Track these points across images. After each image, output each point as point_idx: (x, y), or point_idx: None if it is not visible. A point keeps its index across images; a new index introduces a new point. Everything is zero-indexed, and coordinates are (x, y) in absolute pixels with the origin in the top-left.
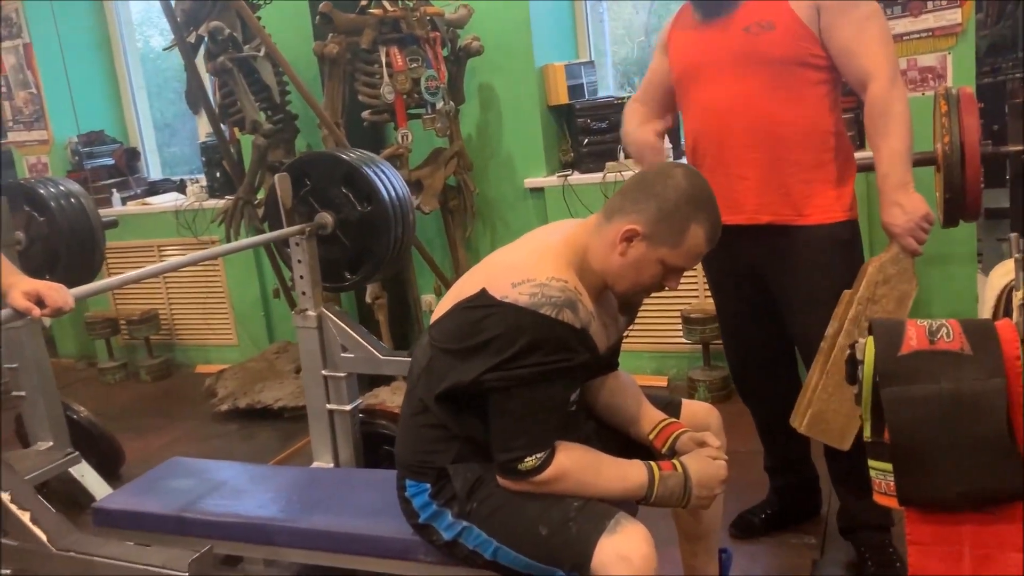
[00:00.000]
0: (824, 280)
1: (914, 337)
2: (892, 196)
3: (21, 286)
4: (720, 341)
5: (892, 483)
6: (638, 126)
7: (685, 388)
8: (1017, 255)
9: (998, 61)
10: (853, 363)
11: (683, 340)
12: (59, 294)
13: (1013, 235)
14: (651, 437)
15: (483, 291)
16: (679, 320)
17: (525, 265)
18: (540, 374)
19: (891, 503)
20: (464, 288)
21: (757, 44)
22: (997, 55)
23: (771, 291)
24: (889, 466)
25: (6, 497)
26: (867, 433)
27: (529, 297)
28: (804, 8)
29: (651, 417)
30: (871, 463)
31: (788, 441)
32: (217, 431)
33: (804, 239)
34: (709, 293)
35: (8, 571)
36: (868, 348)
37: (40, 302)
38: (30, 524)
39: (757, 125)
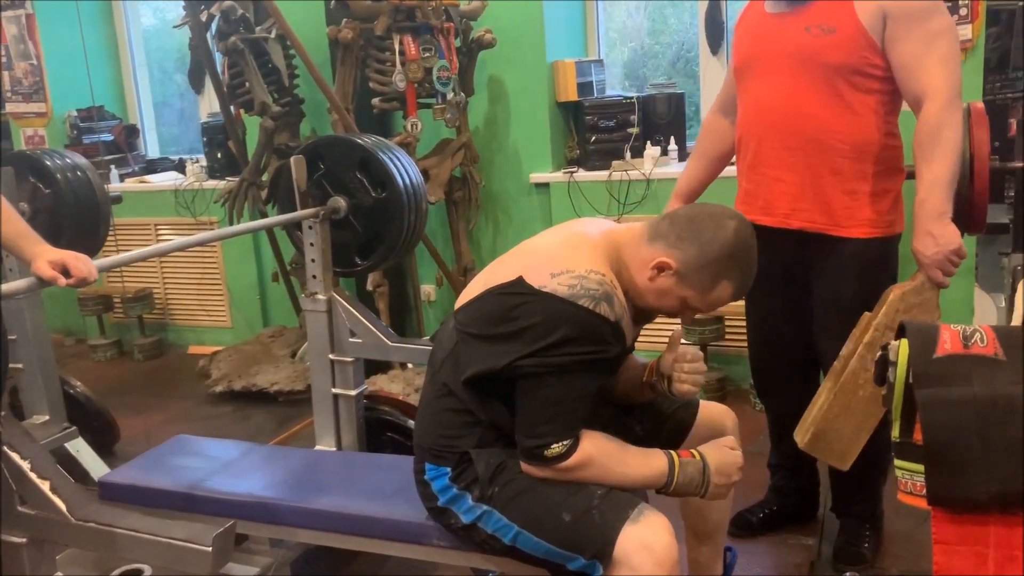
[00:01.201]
0: (848, 294)
1: (948, 341)
2: (926, 225)
3: (47, 255)
4: (718, 343)
5: (919, 483)
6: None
7: None
8: None
9: (999, 78)
10: (883, 364)
11: (683, 341)
12: (84, 264)
13: None
14: (643, 378)
15: (520, 279)
16: (677, 320)
17: (564, 256)
18: (574, 363)
19: (918, 503)
20: (496, 274)
21: (815, 47)
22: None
23: (800, 292)
24: (917, 466)
25: (26, 466)
26: (895, 434)
27: (568, 288)
28: (870, 14)
29: (637, 364)
30: (897, 463)
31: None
32: (212, 412)
33: (836, 250)
34: None
35: (25, 539)
36: (902, 350)
37: (65, 271)
38: (50, 493)
39: (801, 129)
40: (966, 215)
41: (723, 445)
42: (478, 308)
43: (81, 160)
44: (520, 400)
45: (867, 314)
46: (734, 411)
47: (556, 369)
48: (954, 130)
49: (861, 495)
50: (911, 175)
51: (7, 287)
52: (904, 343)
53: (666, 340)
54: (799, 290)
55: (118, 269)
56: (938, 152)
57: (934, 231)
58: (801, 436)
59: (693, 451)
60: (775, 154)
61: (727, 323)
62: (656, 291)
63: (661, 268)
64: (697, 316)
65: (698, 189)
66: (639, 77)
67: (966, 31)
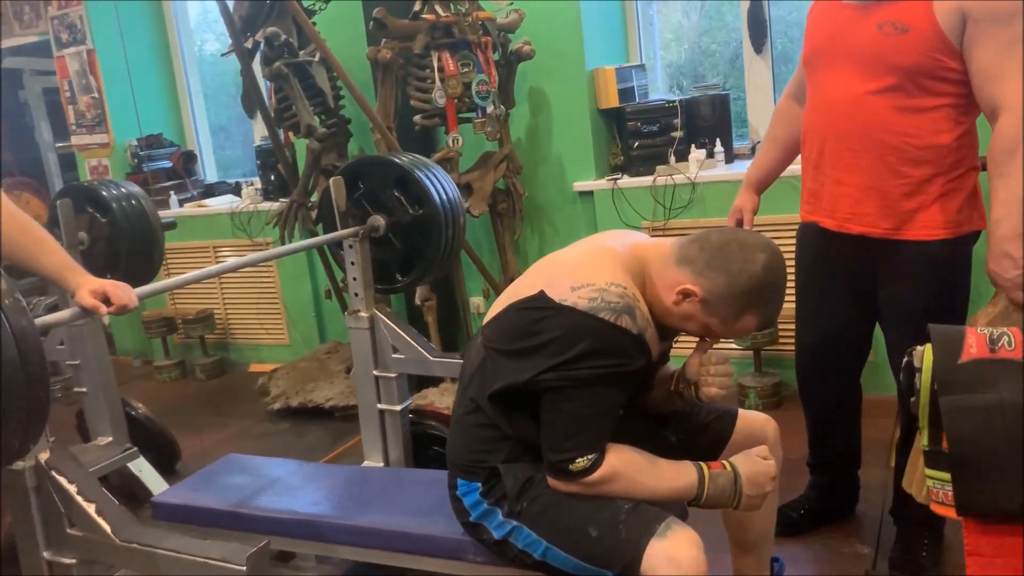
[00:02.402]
0: (918, 300)
1: (974, 345)
2: (1003, 246)
3: (89, 285)
4: (772, 348)
5: (949, 493)
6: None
7: (735, 394)
8: None
9: None
10: (910, 372)
11: (734, 346)
12: (124, 292)
13: None
14: (671, 388)
15: (541, 293)
16: None
17: (584, 269)
18: (596, 377)
19: (948, 513)
20: (520, 289)
21: (885, 46)
22: None
23: (866, 295)
24: (947, 475)
25: (73, 489)
26: (924, 442)
27: (588, 301)
28: (949, 14)
29: (667, 374)
30: (928, 472)
31: (840, 441)
32: (270, 429)
33: (902, 254)
34: None
35: (74, 560)
36: (926, 356)
37: (106, 300)
38: (95, 515)
39: (867, 131)
40: None
41: (755, 455)
42: (502, 323)
43: (135, 189)
44: (544, 415)
45: None
46: (789, 416)
47: (579, 383)
48: None
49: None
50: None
51: (50, 318)
52: (928, 348)
53: (717, 345)
54: (858, 295)
55: (178, 291)
56: (1015, 167)
57: (1012, 252)
58: (916, 489)
59: (724, 462)
60: (838, 156)
61: (780, 327)
62: (680, 315)
63: (687, 295)
64: None
65: (770, 178)
66: (697, 77)
67: None
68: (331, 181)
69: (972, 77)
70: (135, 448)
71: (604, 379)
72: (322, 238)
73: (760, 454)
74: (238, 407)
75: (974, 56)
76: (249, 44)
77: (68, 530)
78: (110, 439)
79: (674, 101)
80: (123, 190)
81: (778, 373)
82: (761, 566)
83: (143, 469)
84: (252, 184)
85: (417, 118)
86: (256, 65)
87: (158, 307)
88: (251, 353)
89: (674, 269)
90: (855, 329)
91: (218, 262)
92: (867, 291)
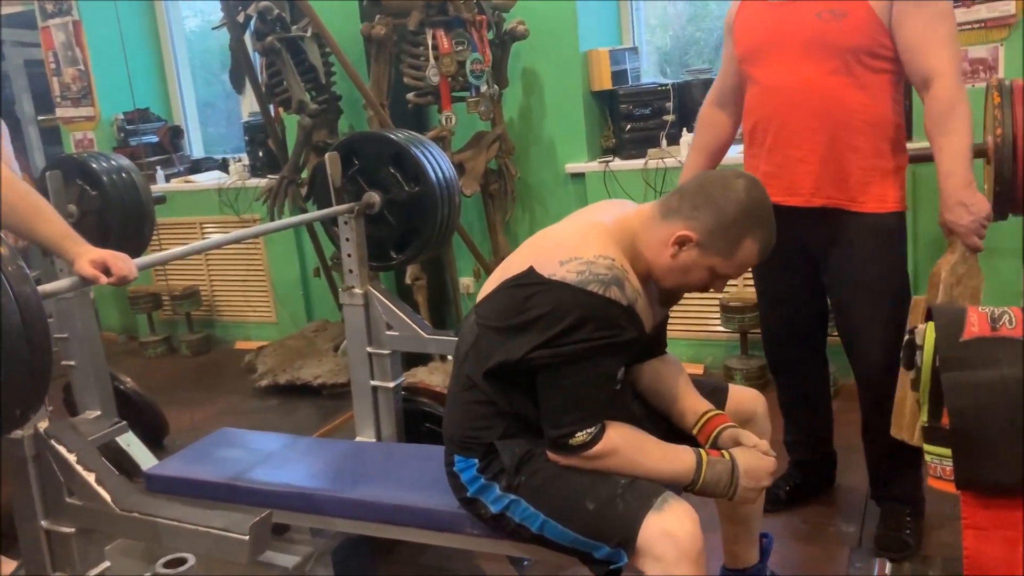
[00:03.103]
0: (872, 268)
1: (976, 323)
2: (957, 195)
3: (88, 254)
4: (758, 330)
5: (948, 468)
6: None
7: (722, 376)
8: None
9: None
10: (911, 348)
11: (721, 328)
12: (124, 263)
13: None
14: (695, 430)
15: (531, 269)
16: (717, 308)
17: (572, 243)
18: (588, 350)
19: (947, 487)
20: (511, 266)
21: (828, 31)
22: None
23: (819, 270)
24: (946, 451)
25: (72, 459)
26: (924, 418)
27: (576, 275)
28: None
29: (695, 408)
30: (927, 448)
31: (813, 418)
32: (258, 406)
33: (856, 226)
34: (749, 282)
35: (73, 529)
36: (928, 333)
37: (106, 270)
38: (95, 485)
39: (822, 109)
40: (1010, 196)
41: (756, 449)
42: (495, 301)
43: (126, 162)
44: (541, 391)
45: (917, 298)
46: (773, 399)
47: (572, 358)
48: (966, 104)
49: (900, 478)
50: (914, 158)
51: (50, 286)
52: (931, 326)
53: (704, 328)
54: (814, 269)
55: (163, 267)
56: (956, 125)
57: (966, 200)
58: (908, 434)
59: (724, 452)
60: (798, 135)
61: None
62: (681, 267)
63: (682, 242)
64: (735, 304)
65: None
66: (681, 64)
67: (1009, 7)
68: (327, 156)
69: (902, 52)
70: (124, 422)
71: (597, 351)
72: (317, 213)
73: (762, 448)
74: (225, 384)
75: (903, 32)
76: (241, 18)
77: (67, 499)
78: (98, 413)
79: (667, 84)
80: (114, 163)
81: (763, 356)
82: (751, 542)
83: (131, 443)
84: (240, 160)
85: (410, 96)
86: (248, 40)
87: (144, 283)
88: (237, 330)
89: (662, 225)
90: (814, 304)
91: (204, 238)
92: (820, 267)
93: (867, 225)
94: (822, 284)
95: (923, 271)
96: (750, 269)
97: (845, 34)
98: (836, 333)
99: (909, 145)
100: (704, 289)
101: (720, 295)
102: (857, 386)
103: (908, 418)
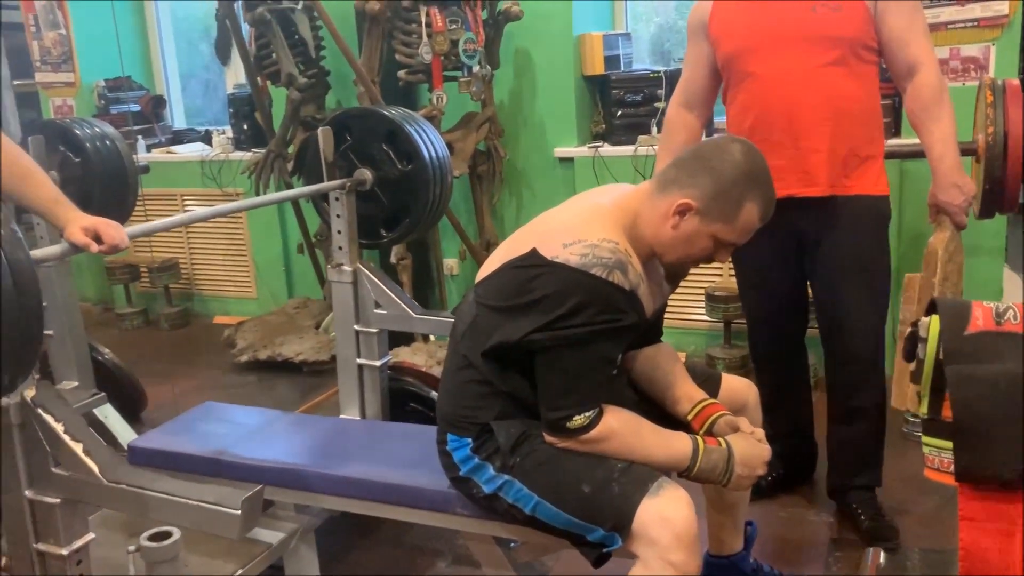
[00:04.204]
0: (859, 249)
1: (980, 317)
2: (950, 177)
3: (80, 221)
4: (743, 321)
5: (947, 460)
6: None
7: (704, 365)
8: None
9: None
10: (913, 341)
11: (704, 317)
12: (116, 231)
13: None
14: (689, 417)
15: (534, 251)
16: (701, 297)
17: (576, 226)
18: (589, 333)
19: (945, 479)
20: (513, 247)
21: (825, 22)
22: None
23: (806, 257)
24: (945, 443)
25: (59, 428)
26: (923, 410)
27: (580, 257)
28: None
29: (690, 396)
30: (925, 440)
31: (795, 410)
32: (237, 381)
33: (849, 209)
34: (733, 271)
35: (58, 499)
36: (932, 326)
37: (97, 238)
38: (82, 455)
39: (827, 99)
40: (998, 195)
41: (751, 437)
42: (496, 281)
43: (110, 129)
44: (539, 373)
45: (911, 275)
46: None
47: (571, 341)
48: (947, 92)
49: (866, 466)
50: (891, 155)
51: (40, 252)
52: (935, 319)
53: (687, 316)
54: (799, 256)
55: (145, 238)
56: (943, 111)
57: (958, 182)
58: (912, 404)
59: (720, 439)
60: (807, 127)
61: None
62: (684, 238)
63: (682, 211)
64: (720, 293)
65: None
66: (664, 53)
67: (1002, 7)
68: (319, 131)
69: (886, 44)
70: (102, 394)
71: (597, 335)
72: (308, 189)
73: (757, 436)
74: (203, 358)
75: (887, 27)
76: None
77: (53, 469)
78: (76, 384)
79: (659, 71)
80: (97, 130)
81: (746, 346)
82: (736, 529)
83: (109, 415)
84: (224, 133)
85: (401, 73)
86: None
87: (122, 254)
88: (216, 305)
89: (661, 198)
90: (797, 293)
91: (185, 211)
92: (803, 251)
93: (862, 208)
94: (803, 272)
95: (905, 259)
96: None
97: (841, 26)
98: (814, 324)
99: (896, 141)
100: (709, 260)
101: (706, 284)
102: (829, 373)
103: (912, 392)
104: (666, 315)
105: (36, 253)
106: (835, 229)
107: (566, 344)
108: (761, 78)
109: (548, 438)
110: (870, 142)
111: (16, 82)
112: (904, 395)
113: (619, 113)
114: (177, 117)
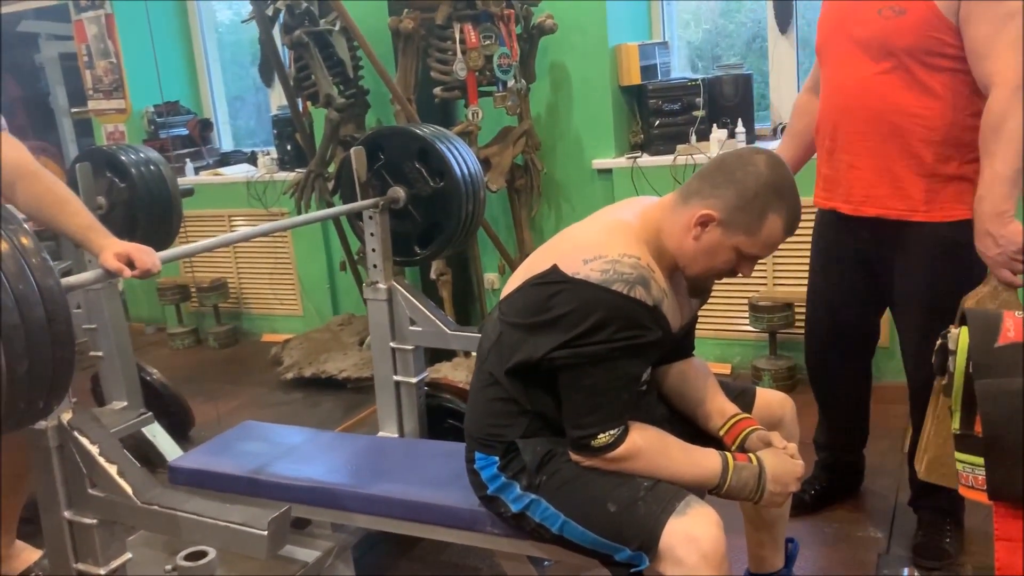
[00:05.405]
0: (930, 283)
1: (1012, 328)
2: (985, 224)
3: (113, 247)
4: (788, 331)
5: (980, 477)
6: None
7: (749, 377)
8: None
9: None
10: (943, 353)
11: (749, 328)
12: (148, 256)
13: None
14: (721, 432)
15: (554, 267)
16: (745, 307)
17: (597, 241)
18: (611, 351)
19: (979, 497)
20: (535, 264)
21: (885, 29)
22: None
23: (876, 279)
24: (978, 459)
25: (95, 450)
26: (955, 425)
27: (601, 274)
28: None
29: (722, 410)
30: (958, 456)
31: (850, 424)
32: (283, 398)
33: (916, 236)
34: (778, 281)
35: (95, 521)
36: (962, 338)
37: (130, 263)
38: (117, 477)
39: (876, 113)
40: None
41: (783, 453)
42: (519, 298)
43: (154, 154)
44: (563, 391)
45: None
46: (804, 398)
47: (594, 358)
48: (1019, 121)
49: (943, 488)
50: None
51: (74, 279)
52: (964, 331)
53: (732, 327)
54: (871, 279)
55: (191, 259)
56: (1000, 146)
57: (993, 231)
58: (920, 467)
59: (751, 455)
60: (849, 140)
61: (796, 310)
62: (706, 250)
63: (704, 222)
64: (764, 303)
65: (792, 170)
66: (714, 58)
67: None
68: (352, 151)
69: (968, 55)
70: (150, 413)
71: (620, 352)
72: (342, 208)
73: (789, 452)
74: (251, 376)
75: (968, 34)
76: (270, 12)
77: (89, 490)
78: (125, 404)
79: (697, 80)
80: (142, 155)
81: (793, 356)
82: (776, 547)
83: (157, 434)
84: (268, 154)
85: (437, 90)
86: (276, 34)
87: (172, 275)
88: (264, 323)
89: (684, 210)
90: (866, 316)
91: (233, 231)
92: (880, 277)
93: (928, 236)
94: (879, 295)
95: None
96: (797, 270)
97: (900, 33)
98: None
99: None
100: (732, 274)
101: (749, 294)
102: (909, 396)
103: (921, 451)
104: (710, 327)
105: (70, 280)
106: (900, 256)
107: (588, 362)
108: (824, 82)
109: (574, 456)
110: (941, 161)
111: (73, 110)
112: (923, 458)
113: (657, 123)
114: (225, 139)
